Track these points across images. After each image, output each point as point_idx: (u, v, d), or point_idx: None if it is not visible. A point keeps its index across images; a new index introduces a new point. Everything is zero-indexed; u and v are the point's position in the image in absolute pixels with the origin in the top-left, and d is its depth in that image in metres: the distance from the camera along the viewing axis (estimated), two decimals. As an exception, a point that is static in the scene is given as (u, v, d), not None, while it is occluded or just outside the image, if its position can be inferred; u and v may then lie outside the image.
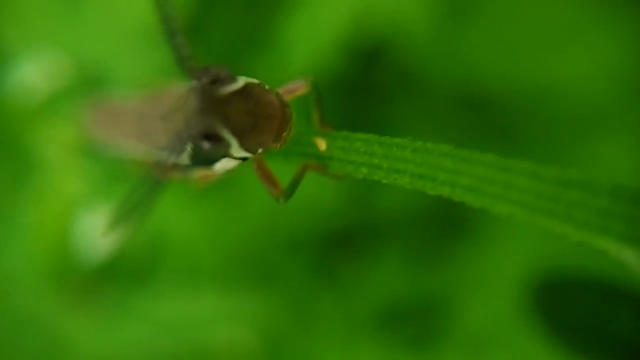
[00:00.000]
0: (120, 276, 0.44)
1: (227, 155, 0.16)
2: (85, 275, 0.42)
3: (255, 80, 0.17)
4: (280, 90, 0.18)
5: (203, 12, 0.45)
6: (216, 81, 0.16)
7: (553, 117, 0.52)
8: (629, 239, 0.11)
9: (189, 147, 0.16)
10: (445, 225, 0.57)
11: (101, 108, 0.32)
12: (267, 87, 0.17)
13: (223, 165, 0.17)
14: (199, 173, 0.19)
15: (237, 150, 0.16)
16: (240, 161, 0.17)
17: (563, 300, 0.12)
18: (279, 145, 0.16)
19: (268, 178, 0.18)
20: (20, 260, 0.40)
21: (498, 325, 0.49)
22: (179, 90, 0.17)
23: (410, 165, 0.14)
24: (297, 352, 0.52)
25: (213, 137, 0.16)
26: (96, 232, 0.39)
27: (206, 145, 0.16)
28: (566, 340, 0.12)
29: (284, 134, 0.16)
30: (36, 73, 0.36)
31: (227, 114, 0.15)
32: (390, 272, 0.56)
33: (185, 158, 0.17)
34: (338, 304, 0.54)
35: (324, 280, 0.55)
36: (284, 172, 0.18)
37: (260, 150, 0.16)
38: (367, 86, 0.58)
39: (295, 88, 0.19)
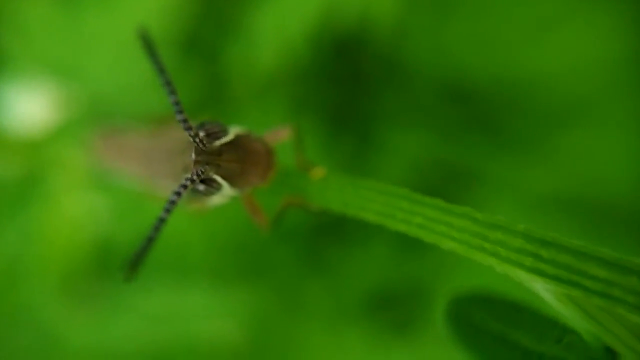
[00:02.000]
0: (110, 271, 0.47)
1: (220, 193, 0.20)
2: (81, 269, 0.45)
3: (244, 131, 0.20)
4: (266, 135, 0.22)
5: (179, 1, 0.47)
6: (210, 134, 0.20)
7: (535, 107, 0.55)
8: (537, 271, 0.15)
9: (188, 188, 0.19)
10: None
11: (109, 138, 0.36)
12: (254, 136, 0.20)
13: (217, 199, 0.21)
14: (195, 204, 0.23)
15: (228, 190, 0.20)
16: (232, 196, 0.21)
17: (476, 313, 0.16)
18: (265, 184, 0.20)
19: (255, 211, 0.22)
20: (20, 259, 0.43)
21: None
22: (179, 133, 0.20)
23: (375, 204, 0.18)
24: (285, 338, 0.55)
25: (207, 182, 0.20)
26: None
27: (202, 187, 0.20)
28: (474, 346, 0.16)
29: (269, 175, 0.20)
30: (43, 102, 0.39)
31: (219, 163, 0.20)
32: (377, 258, 0.59)
33: (185, 193, 0.20)
34: (326, 290, 0.57)
35: (313, 267, 0.58)
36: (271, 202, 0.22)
37: (248, 189, 0.20)
38: (354, 78, 0.60)
39: (279, 133, 0.22)
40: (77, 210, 0.41)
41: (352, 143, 0.59)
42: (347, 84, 0.60)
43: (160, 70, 0.19)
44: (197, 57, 0.51)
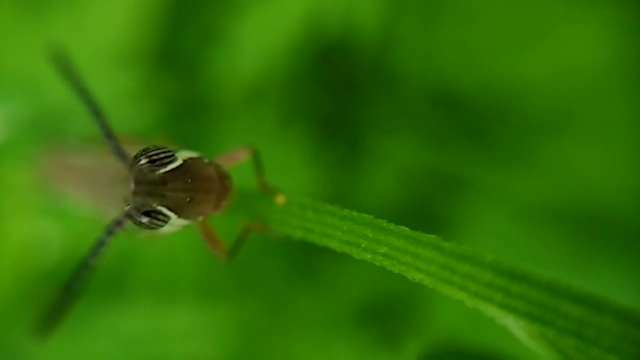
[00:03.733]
0: (86, 291, 0.45)
1: (168, 223, 0.18)
2: (48, 291, 0.43)
3: (195, 154, 0.19)
4: (220, 159, 0.20)
5: (157, 10, 0.46)
6: (154, 161, 0.18)
7: (522, 114, 0.54)
8: (508, 308, 0.14)
9: (129, 222, 0.18)
10: (422, 222, 0.59)
11: (55, 159, 0.34)
12: (206, 160, 0.19)
13: (166, 229, 0.19)
14: (144, 234, 0.22)
15: (176, 221, 0.18)
16: (183, 225, 0.19)
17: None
18: (219, 212, 0.19)
19: (211, 239, 0.20)
20: None
21: (470, 321, 0.52)
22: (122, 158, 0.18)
23: (338, 232, 0.17)
24: (273, 352, 0.54)
25: (151, 214, 0.18)
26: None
27: (145, 220, 0.18)
28: None
29: (223, 203, 0.18)
30: None
31: (164, 193, 0.18)
32: (367, 270, 0.58)
33: (129, 224, 0.19)
34: (316, 303, 0.56)
35: (302, 280, 0.57)
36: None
37: (200, 218, 0.19)
38: (343, 86, 0.60)
39: (236, 155, 0.21)
40: (25, 233, 0.39)
41: (342, 150, 0.59)
42: (335, 91, 0.60)
43: (81, 92, 0.17)
44: (177, 67, 0.50)
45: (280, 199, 0.19)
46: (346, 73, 0.59)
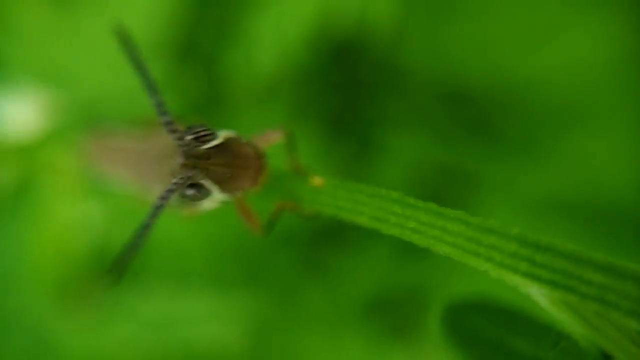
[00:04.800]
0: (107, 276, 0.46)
1: (210, 198, 0.20)
2: (76, 275, 0.45)
3: (234, 134, 0.20)
4: (257, 140, 0.22)
5: (176, 5, 0.47)
6: (198, 138, 0.19)
7: (532, 110, 0.55)
8: (532, 276, 0.15)
9: (176, 193, 0.19)
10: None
11: (100, 141, 0.35)
12: (244, 140, 0.20)
13: (207, 204, 0.20)
14: (186, 210, 0.23)
15: (218, 195, 0.20)
16: (223, 201, 0.20)
17: (472, 319, 0.16)
18: (255, 188, 0.20)
19: (247, 215, 0.22)
20: (13, 265, 0.43)
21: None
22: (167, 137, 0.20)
23: (367, 208, 0.18)
24: (284, 343, 0.55)
25: (196, 186, 0.19)
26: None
27: (190, 192, 0.19)
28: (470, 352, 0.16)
29: (260, 179, 0.20)
30: (34, 107, 0.39)
31: (208, 167, 0.19)
32: (376, 262, 0.59)
33: (174, 199, 0.20)
34: (325, 295, 0.57)
35: (312, 272, 0.58)
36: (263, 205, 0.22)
37: (239, 193, 0.20)
38: (354, 82, 0.60)
39: (271, 136, 0.22)
40: (70, 216, 0.41)
41: (353, 146, 0.60)
42: (347, 87, 0.60)
43: (141, 69, 0.19)
44: (194, 61, 0.51)
45: (317, 180, 0.20)
46: (357, 70, 0.60)
